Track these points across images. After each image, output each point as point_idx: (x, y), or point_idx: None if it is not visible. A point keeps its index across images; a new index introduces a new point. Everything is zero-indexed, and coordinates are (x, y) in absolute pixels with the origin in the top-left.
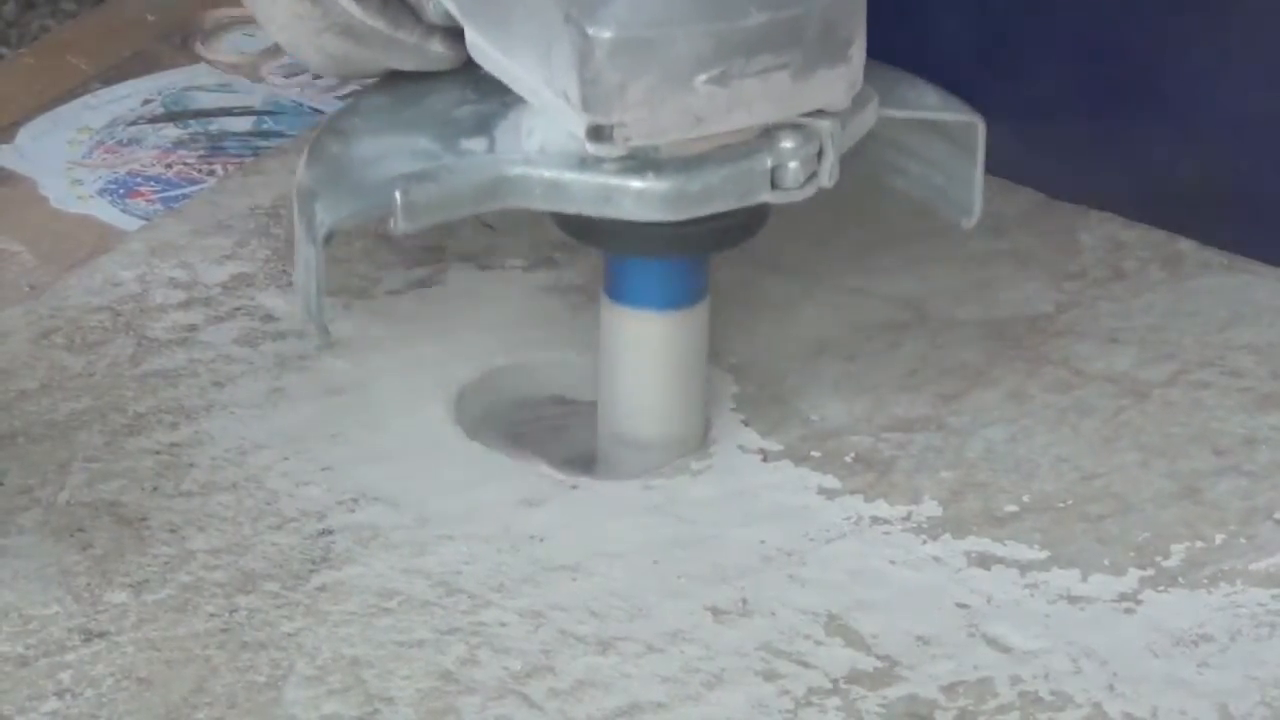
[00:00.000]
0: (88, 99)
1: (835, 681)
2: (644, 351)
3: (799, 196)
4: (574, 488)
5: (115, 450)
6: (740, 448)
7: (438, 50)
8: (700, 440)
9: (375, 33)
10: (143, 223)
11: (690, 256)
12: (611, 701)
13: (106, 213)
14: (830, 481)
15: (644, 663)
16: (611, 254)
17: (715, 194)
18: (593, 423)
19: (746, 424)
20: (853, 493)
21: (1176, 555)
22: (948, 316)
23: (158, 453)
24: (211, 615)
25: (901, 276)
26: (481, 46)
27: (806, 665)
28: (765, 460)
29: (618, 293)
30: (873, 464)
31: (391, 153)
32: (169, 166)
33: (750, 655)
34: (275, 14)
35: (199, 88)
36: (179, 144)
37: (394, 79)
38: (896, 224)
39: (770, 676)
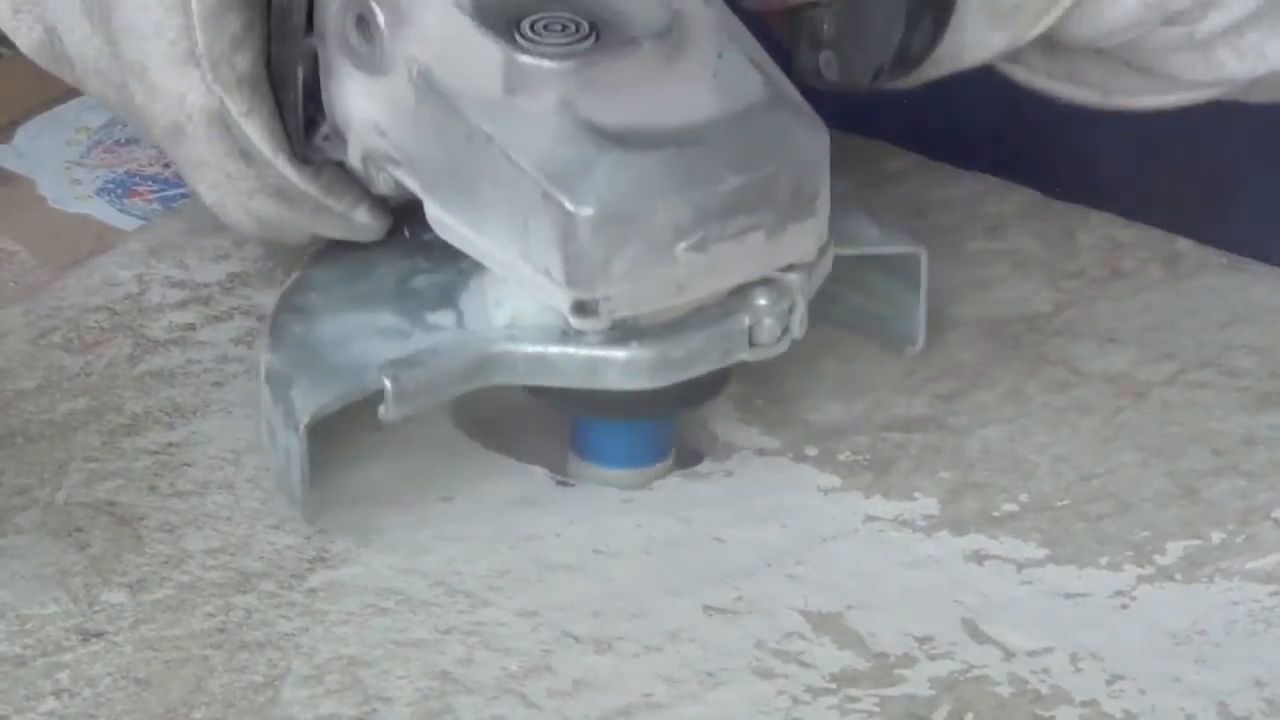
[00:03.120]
0: (86, 98)
1: (832, 680)
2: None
3: (775, 352)
4: (572, 487)
5: (113, 450)
6: (739, 447)
7: (363, 220)
8: None
9: (307, 197)
10: (141, 222)
11: (661, 418)
12: (609, 701)
13: (104, 212)
14: (829, 481)
15: (642, 662)
16: (585, 419)
17: (698, 357)
18: None
19: (745, 423)
20: (851, 492)
21: (1174, 554)
22: (945, 316)
23: (155, 452)
24: (209, 615)
25: None
26: (445, 222)
27: (804, 664)
28: (764, 459)
29: (587, 452)
30: (871, 463)
31: (359, 332)
32: (167, 166)
33: (748, 654)
34: (206, 174)
35: None
36: None
37: (336, 249)
38: (852, 333)
39: (768, 675)
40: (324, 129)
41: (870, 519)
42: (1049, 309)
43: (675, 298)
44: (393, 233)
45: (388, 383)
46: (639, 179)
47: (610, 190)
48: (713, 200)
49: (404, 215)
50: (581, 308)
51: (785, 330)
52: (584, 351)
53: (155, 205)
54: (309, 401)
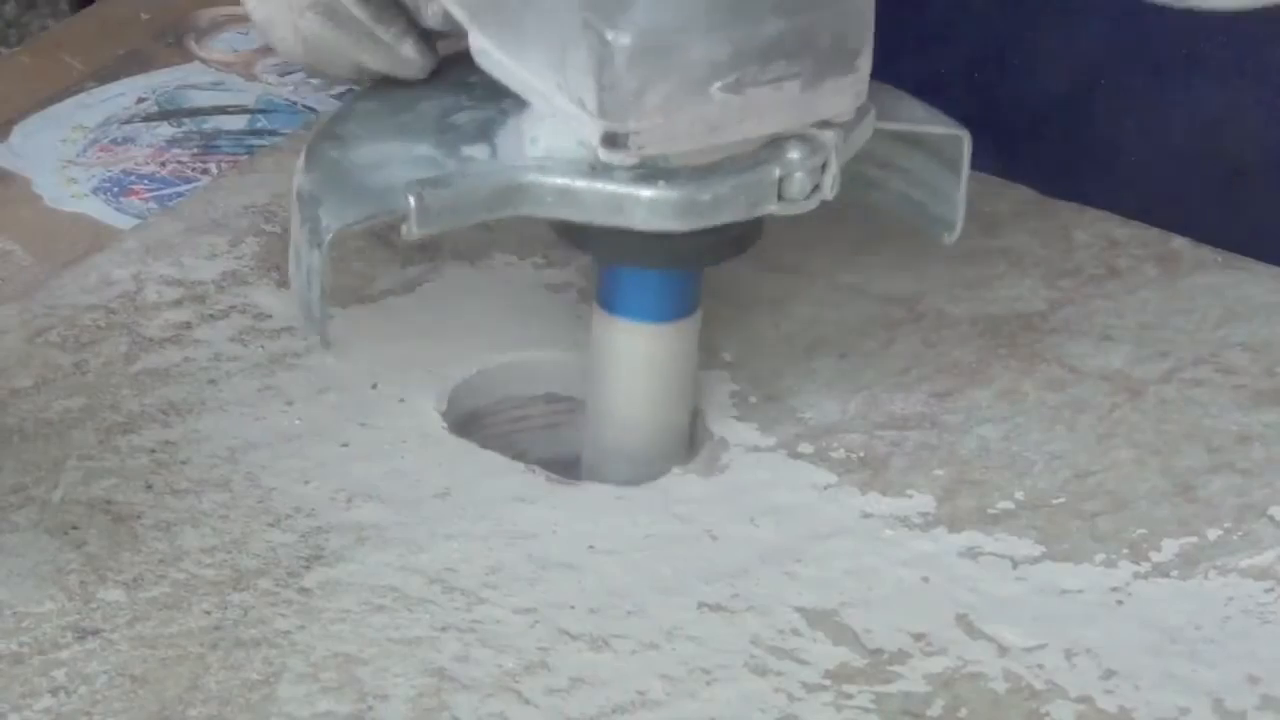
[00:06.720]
0: (82, 97)
1: (828, 677)
2: (635, 363)
3: (804, 208)
4: (567, 485)
5: (109, 448)
6: (735, 445)
7: (408, 54)
8: (686, 453)
9: (355, 21)
10: (137, 221)
11: (687, 269)
12: (606, 698)
13: (101, 211)
14: (824, 478)
15: (639, 659)
16: (609, 265)
17: (725, 204)
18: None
19: (741, 421)
20: (847, 489)
21: (1170, 551)
22: (941, 314)
23: (151, 450)
24: (205, 613)
25: (895, 274)
26: (488, 51)
27: (800, 661)
28: (759, 456)
29: (611, 303)
30: (867, 461)
31: (393, 159)
32: (163, 165)
33: (744, 651)
34: None
35: (193, 86)
36: (173, 142)
37: (383, 86)
38: (889, 221)
39: (764, 672)
40: None
41: (866, 516)
42: (1045, 307)
43: (706, 138)
44: (437, 74)
45: (411, 200)
46: (679, 13)
47: (649, 21)
48: (752, 41)
49: (452, 60)
50: (612, 139)
51: (816, 188)
52: (611, 187)
53: (151, 204)
54: (334, 219)
